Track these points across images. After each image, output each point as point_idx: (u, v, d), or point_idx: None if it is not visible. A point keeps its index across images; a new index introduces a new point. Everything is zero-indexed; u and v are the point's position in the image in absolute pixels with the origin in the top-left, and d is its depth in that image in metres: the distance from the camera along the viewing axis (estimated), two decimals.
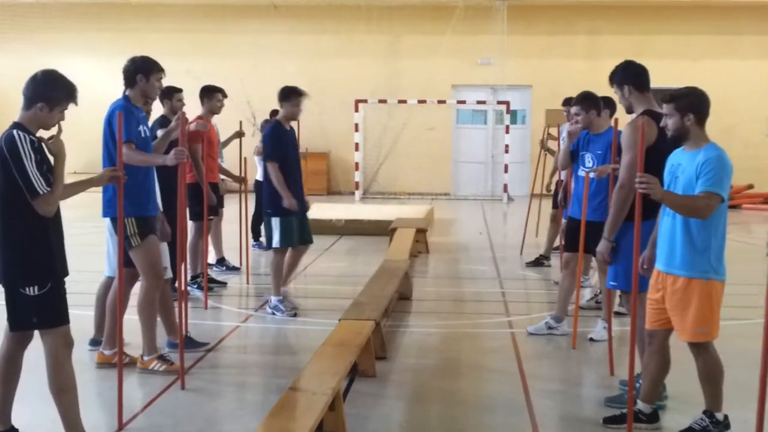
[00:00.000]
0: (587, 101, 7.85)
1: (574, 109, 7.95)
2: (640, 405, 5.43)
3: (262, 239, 13.11)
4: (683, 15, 23.37)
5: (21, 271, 4.70)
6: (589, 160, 7.81)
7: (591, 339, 7.72)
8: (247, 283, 10.55)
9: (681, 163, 5.11)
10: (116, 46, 21.67)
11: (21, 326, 4.83)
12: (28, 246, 4.69)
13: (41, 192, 4.62)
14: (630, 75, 5.99)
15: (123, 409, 5.49)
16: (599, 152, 7.74)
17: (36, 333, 4.94)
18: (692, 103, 5.09)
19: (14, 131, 4.67)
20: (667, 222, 5.13)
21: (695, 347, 5.17)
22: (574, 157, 10.62)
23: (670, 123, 5.10)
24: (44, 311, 4.74)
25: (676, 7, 23.31)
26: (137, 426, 5.53)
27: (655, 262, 5.26)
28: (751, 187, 20.32)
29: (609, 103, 8.03)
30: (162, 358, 6.67)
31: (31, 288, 4.68)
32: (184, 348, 6.51)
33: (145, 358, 6.66)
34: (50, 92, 4.79)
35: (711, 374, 5.20)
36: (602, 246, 6.10)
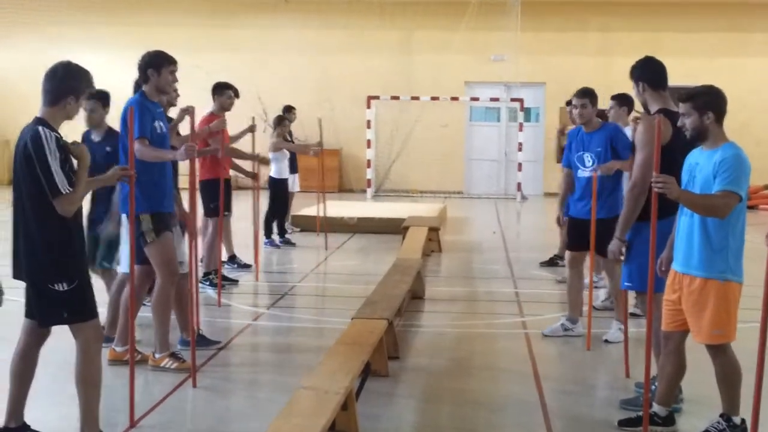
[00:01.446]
0: (593, 95, 7.86)
1: (581, 101, 7.82)
2: (656, 408, 5.37)
3: (274, 236, 13.18)
4: (696, 12, 23.26)
5: (49, 268, 4.71)
6: (588, 159, 7.75)
7: (606, 341, 7.66)
8: (256, 280, 10.52)
9: (699, 162, 5.05)
10: (124, 40, 21.72)
11: (52, 322, 4.88)
12: (56, 243, 4.71)
13: (64, 191, 4.62)
14: (646, 72, 5.94)
15: (135, 406, 5.47)
16: (599, 149, 7.70)
17: (53, 329, 4.97)
18: (711, 102, 5.04)
19: (40, 128, 4.68)
20: (685, 222, 5.07)
21: (712, 349, 5.11)
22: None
23: (688, 122, 5.04)
24: (74, 306, 4.78)
25: (689, 4, 23.19)
26: (149, 423, 5.51)
27: (673, 262, 5.20)
28: (766, 187, 20.17)
29: (628, 101, 7.98)
30: (174, 356, 6.65)
31: (61, 284, 4.71)
32: (196, 345, 6.48)
33: (157, 356, 6.63)
34: (76, 84, 4.84)
35: (728, 377, 5.13)
36: (614, 245, 6.05)
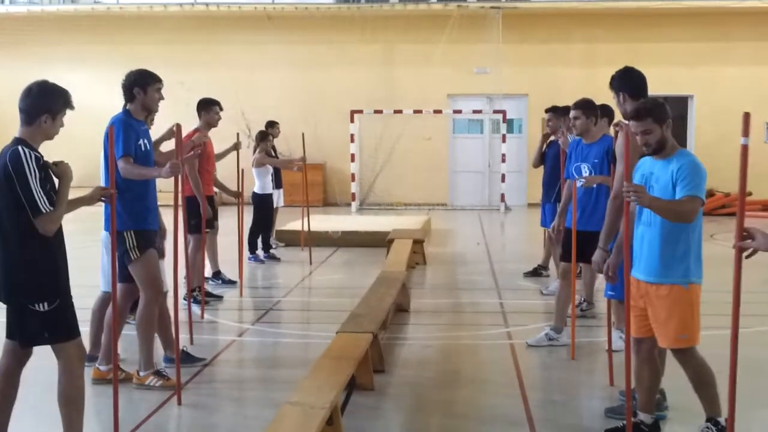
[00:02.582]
0: (588, 107, 7.83)
1: (573, 113, 7.86)
2: (641, 416, 5.38)
3: (259, 252, 13.16)
4: (678, 22, 23.43)
5: (29, 288, 4.69)
6: (585, 169, 7.77)
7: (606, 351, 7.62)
8: (241, 295, 10.48)
9: (653, 172, 5.11)
10: (110, 58, 21.73)
11: (33, 342, 4.85)
12: (36, 263, 4.69)
13: (44, 210, 4.60)
14: (626, 82, 5.98)
15: (119, 425, 5.41)
16: (596, 161, 7.72)
17: (35, 349, 4.93)
18: (666, 112, 5.11)
19: (19, 148, 4.66)
20: (644, 231, 5.12)
21: (681, 355, 5.14)
22: (544, 159, 10.79)
23: (651, 137, 5.04)
24: (55, 326, 4.76)
25: (672, 15, 23.36)
26: None
27: (633, 270, 5.22)
28: (749, 194, 20.29)
29: (607, 112, 8.02)
30: (158, 374, 6.61)
31: (41, 304, 4.69)
32: (181, 363, 6.46)
33: (141, 374, 6.60)
34: (50, 103, 4.81)
35: (703, 379, 5.16)
36: (597, 255, 6.08)
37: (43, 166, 4.69)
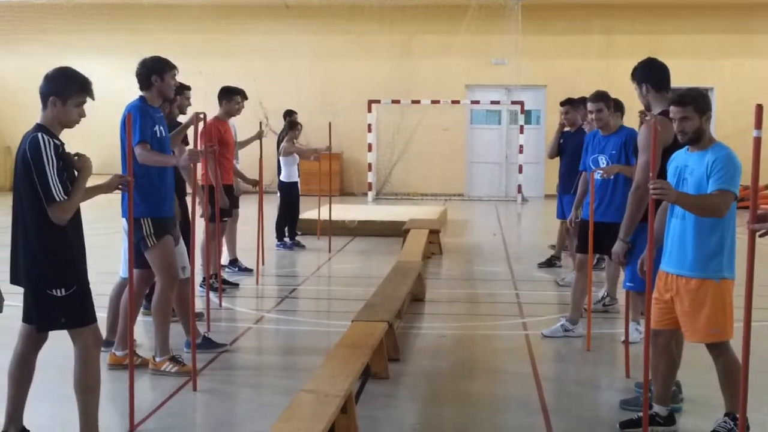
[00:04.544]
0: (609, 98, 7.80)
1: (597, 106, 7.77)
2: (657, 408, 5.37)
3: (287, 239, 13.21)
4: (699, 14, 23.27)
5: (47, 273, 4.71)
6: (602, 161, 7.74)
7: (622, 342, 7.60)
8: (257, 283, 10.51)
9: (688, 165, 5.06)
10: (128, 46, 21.73)
11: (50, 327, 4.88)
12: (53, 249, 4.71)
13: (58, 199, 4.61)
14: (649, 74, 5.95)
15: (134, 410, 5.45)
16: (613, 152, 7.69)
17: (51, 334, 4.96)
18: (708, 103, 5.10)
19: (39, 134, 4.66)
20: (677, 224, 5.08)
21: (714, 349, 5.10)
22: (560, 150, 10.70)
23: (688, 126, 5.01)
24: (72, 311, 4.78)
25: (692, 6, 23.20)
26: (148, 428, 5.50)
27: (662, 263, 5.20)
28: (767, 187, 20.16)
29: (619, 106, 7.99)
30: (174, 360, 6.64)
31: (59, 290, 4.71)
32: (202, 348, 6.48)
33: (157, 360, 6.63)
34: (62, 86, 4.78)
35: (731, 375, 5.11)
36: (618, 247, 6.05)
37: (62, 155, 4.70)
